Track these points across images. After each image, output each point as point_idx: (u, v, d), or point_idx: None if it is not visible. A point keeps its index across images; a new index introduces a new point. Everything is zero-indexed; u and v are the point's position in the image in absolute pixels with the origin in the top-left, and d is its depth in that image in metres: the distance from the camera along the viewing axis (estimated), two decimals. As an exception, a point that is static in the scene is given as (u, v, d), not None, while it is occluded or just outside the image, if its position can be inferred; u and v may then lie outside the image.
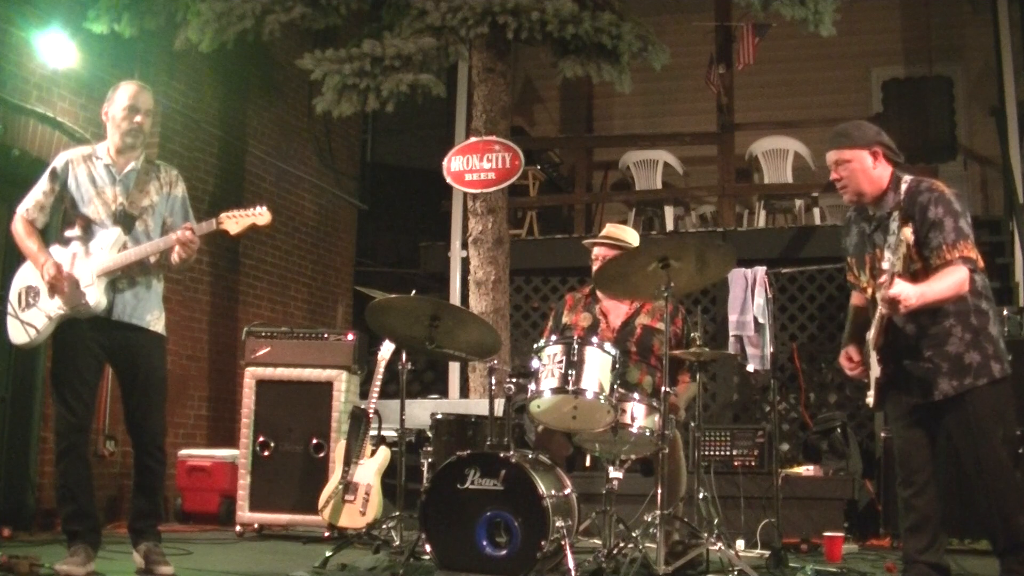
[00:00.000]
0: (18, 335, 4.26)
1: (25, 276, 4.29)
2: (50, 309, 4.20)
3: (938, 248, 3.64)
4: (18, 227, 4.31)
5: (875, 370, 3.80)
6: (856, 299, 4.09)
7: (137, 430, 4.38)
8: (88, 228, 4.25)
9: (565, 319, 5.08)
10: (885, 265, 3.57)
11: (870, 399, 3.88)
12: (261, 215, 4.30)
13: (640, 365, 4.88)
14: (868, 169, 3.80)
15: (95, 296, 4.17)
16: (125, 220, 4.26)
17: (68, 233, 4.28)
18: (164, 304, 4.49)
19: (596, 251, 5.08)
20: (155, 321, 4.36)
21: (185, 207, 4.47)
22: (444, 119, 9.68)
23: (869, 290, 3.86)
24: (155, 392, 4.38)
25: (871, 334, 3.75)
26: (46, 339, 4.27)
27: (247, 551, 5.54)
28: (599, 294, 5.04)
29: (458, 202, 9.02)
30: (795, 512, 6.25)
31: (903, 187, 3.79)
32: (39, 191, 4.35)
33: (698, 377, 4.70)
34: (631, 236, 5.14)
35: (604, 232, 5.20)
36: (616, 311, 5.02)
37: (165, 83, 7.47)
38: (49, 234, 4.51)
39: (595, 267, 5.05)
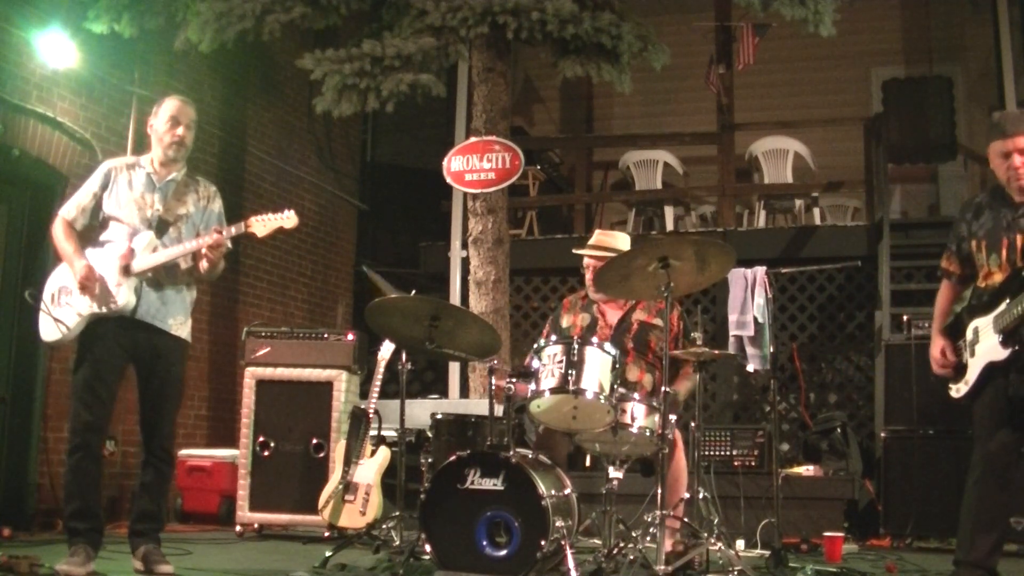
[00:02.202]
0: (50, 332, 4.37)
1: (60, 277, 4.41)
2: (81, 307, 4.30)
3: None
4: (57, 229, 4.42)
5: (979, 357, 3.82)
6: (947, 290, 4.13)
7: (148, 431, 4.44)
8: (122, 232, 4.37)
9: (564, 322, 5.08)
10: None
11: (958, 391, 3.91)
12: (288, 218, 4.42)
13: (638, 362, 4.88)
14: None
15: (124, 296, 4.27)
16: (159, 226, 4.39)
17: (103, 236, 4.41)
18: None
19: (587, 260, 5.07)
20: (179, 326, 4.45)
21: (221, 222, 4.56)
22: (444, 119, 9.67)
23: (996, 275, 3.86)
24: (170, 396, 4.47)
25: (1000, 314, 3.75)
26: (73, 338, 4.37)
27: (247, 551, 5.54)
28: (593, 297, 5.05)
29: (458, 202, 9.01)
30: (795, 512, 6.25)
31: None
32: (81, 194, 4.47)
33: (698, 377, 4.70)
34: (621, 242, 5.10)
35: (593, 240, 5.16)
36: (612, 310, 5.03)
37: (165, 83, 7.47)
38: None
39: (587, 275, 5.05)
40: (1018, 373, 3.75)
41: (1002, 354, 3.75)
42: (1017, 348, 3.71)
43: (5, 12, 6.29)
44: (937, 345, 4.05)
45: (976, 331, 3.87)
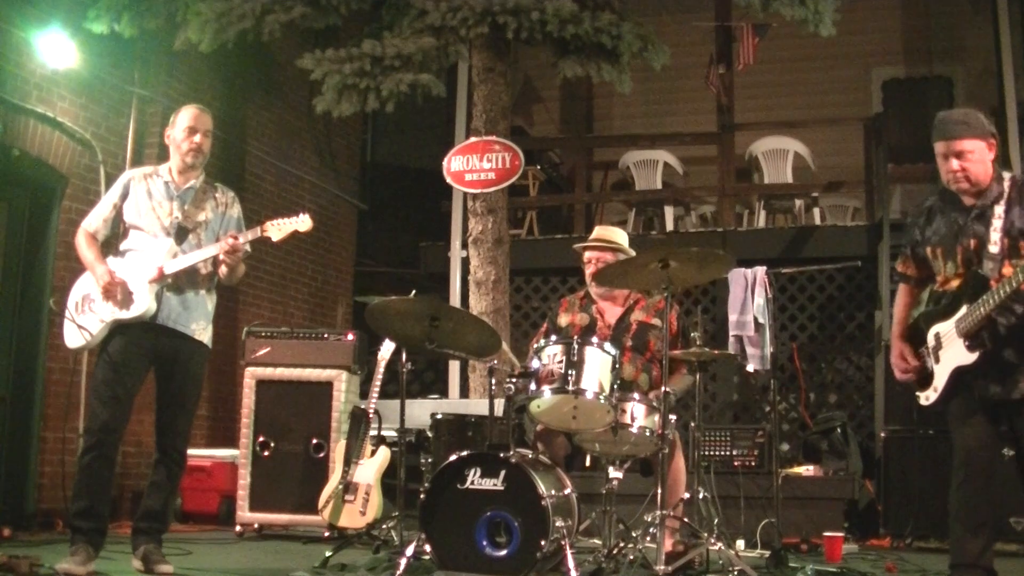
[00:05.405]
0: (74, 339, 4.45)
1: (83, 285, 4.48)
2: (104, 314, 4.37)
3: None
4: (80, 239, 4.50)
5: (945, 363, 3.78)
6: (905, 294, 4.08)
7: (161, 431, 4.49)
8: (142, 240, 4.42)
9: (562, 321, 5.07)
10: (993, 249, 3.60)
11: (927, 398, 3.86)
12: (303, 222, 4.49)
13: (634, 361, 4.87)
14: (987, 160, 3.76)
15: (145, 302, 4.33)
16: (178, 232, 4.44)
17: (123, 245, 4.48)
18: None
19: (588, 254, 5.08)
20: (200, 331, 4.50)
21: (240, 228, 4.60)
22: (444, 119, 9.68)
23: (953, 281, 3.80)
24: (187, 399, 4.51)
25: (962, 318, 3.69)
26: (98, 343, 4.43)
27: (247, 551, 5.54)
28: (593, 295, 5.06)
29: (458, 202, 9.01)
30: (795, 512, 6.24)
31: (1006, 181, 3.77)
32: (102, 206, 4.56)
33: (697, 377, 4.69)
34: (620, 236, 5.12)
35: (594, 235, 5.18)
36: (611, 309, 5.03)
37: (165, 83, 7.46)
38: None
39: (588, 270, 5.05)
40: (984, 377, 3.71)
41: (969, 358, 3.69)
42: (983, 351, 3.67)
43: (5, 12, 6.28)
44: (896, 349, 3.99)
45: (937, 337, 3.81)
